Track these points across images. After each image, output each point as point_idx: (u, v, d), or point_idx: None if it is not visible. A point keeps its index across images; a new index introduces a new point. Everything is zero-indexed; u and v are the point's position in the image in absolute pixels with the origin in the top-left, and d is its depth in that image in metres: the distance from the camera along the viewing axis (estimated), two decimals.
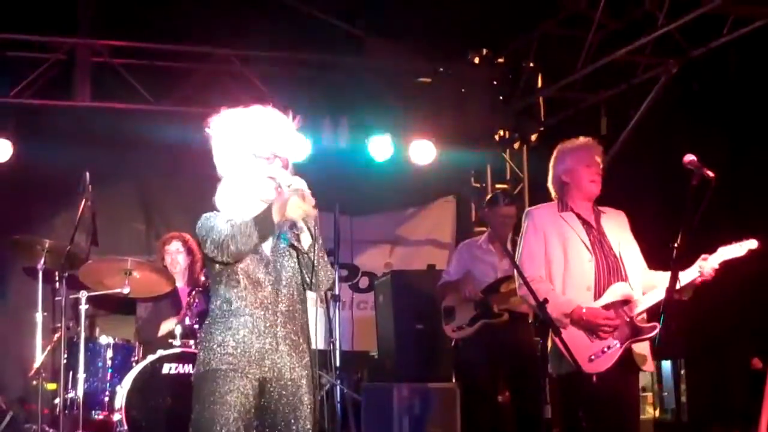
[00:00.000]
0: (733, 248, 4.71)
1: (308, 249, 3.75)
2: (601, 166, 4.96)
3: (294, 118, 3.90)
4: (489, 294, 6.64)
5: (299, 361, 3.79)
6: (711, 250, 4.73)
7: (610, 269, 4.80)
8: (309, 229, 3.73)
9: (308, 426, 3.75)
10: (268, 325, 3.74)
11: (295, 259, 3.82)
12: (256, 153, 3.78)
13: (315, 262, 3.76)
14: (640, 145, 8.10)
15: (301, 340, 3.82)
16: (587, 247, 4.80)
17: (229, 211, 3.79)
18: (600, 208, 4.99)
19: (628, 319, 4.68)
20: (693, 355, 8.30)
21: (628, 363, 4.70)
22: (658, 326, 4.52)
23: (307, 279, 3.80)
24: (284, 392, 3.75)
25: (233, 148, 3.82)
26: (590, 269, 4.77)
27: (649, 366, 4.84)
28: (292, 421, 3.73)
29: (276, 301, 3.77)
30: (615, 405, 4.68)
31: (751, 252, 4.68)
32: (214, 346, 3.73)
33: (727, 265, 4.68)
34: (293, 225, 3.75)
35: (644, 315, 4.76)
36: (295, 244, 3.77)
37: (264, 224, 3.62)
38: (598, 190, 4.93)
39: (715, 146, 7.19)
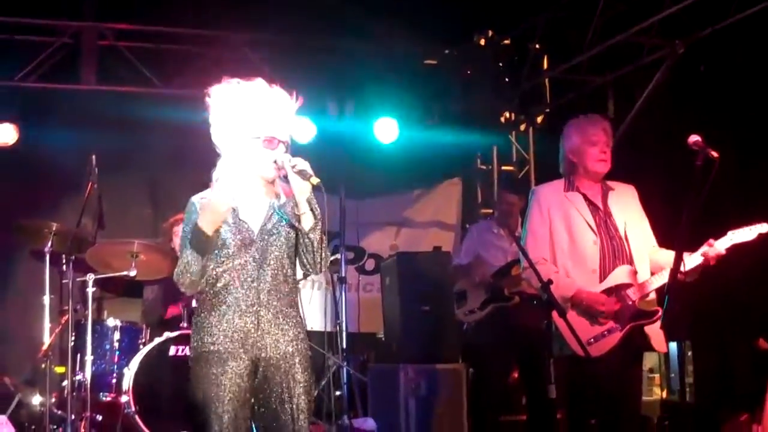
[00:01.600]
0: (743, 232, 4.67)
1: (309, 230, 3.76)
2: (610, 143, 4.91)
3: (297, 99, 3.86)
4: (500, 277, 6.65)
5: (286, 338, 3.77)
6: (718, 231, 4.70)
7: (615, 251, 4.77)
8: (312, 210, 3.75)
9: (303, 404, 3.74)
10: (250, 303, 3.74)
11: (283, 238, 3.81)
12: (257, 135, 3.76)
13: (316, 244, 3.77)
14: (647, 125, 8.08)
15: (287, 318, 3.80)
16: (592, 229, 4.77)
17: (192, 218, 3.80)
18: (609, 183, 4.94)
19: (630, 303, 4.67)
20: (700, 337, 8.30)
21: (629, 346, 4.69)
22: (661, 311, 4.53)
23: (305, 260, 3.81)
24: (275, 370, 3.75)
25: (233, 126, 3.80)
26: (595, 251, 4.75)
27: (662, 346, 4.83)
28: (286, 398, 3.73)
29: (259, 279, 3.76)
30: (616, 387, 4.68)
31: (761, 236, 4.64)
32: (204, 328, 3.76)
33: (735, 248, 4.65)
34: (295, 205, 3.77)
35: (653, 295, 4.74)
36: (296, 225, 3.78)
37: (198, 239, 3.70)
38: (606, 169, 4.87)
39: (723, 127, 7.17)
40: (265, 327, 3.75)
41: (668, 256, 4.68)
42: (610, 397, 4.65)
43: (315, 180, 3.68)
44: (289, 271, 3.84)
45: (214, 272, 3.78)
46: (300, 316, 3.89)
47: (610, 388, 4.64)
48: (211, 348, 3.71)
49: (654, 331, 4.67)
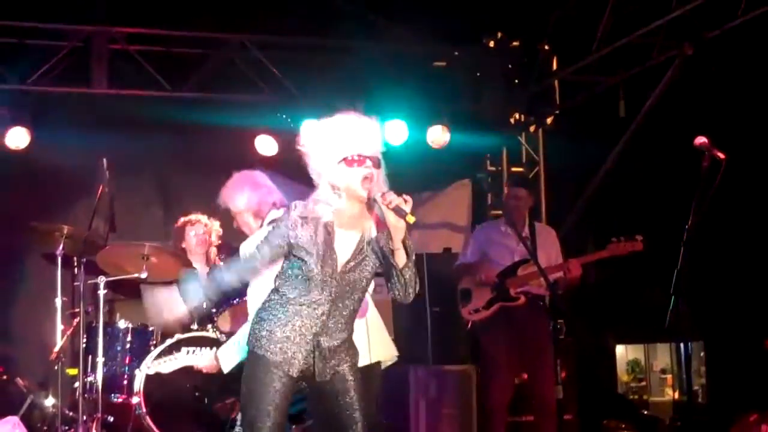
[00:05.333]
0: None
1: (402, 267, 3.81)
2: None
3: (372, 118, 3.94)
4: (506, 277, 6.66)
5: (342, 364, 3.93)
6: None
7: None
8: (406, 248, 3.79)
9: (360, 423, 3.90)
10: (313, 332, 3.87)
11: (366, 274, 3.92)
12: (343, 155, 3.81)
13: (408, 280, 3.84)
14: (658, 126, 8.08)
15: (347, 343, 3.97)
16: None
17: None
18: None
19: None
20: (713, 338, 8.30)
21: None
22: None
23: (396, 291, 3.88)
24: (330, 392, 3.92)
25: (323, 157, 3.85)
26: None
27: None
28: (346, 414, 3.91)
29: (329, 314, 3.88)
30: None
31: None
32: (263, 333, 3.89)
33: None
34: (389, 238, 3.79)
35: None
36: (391, 260, 3.82)
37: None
38: None
39: (733, 127, 7.17)
40: (324, 353, 3.89)
41: None
42: None
43: (411, 219, 3.67)
44: (360, 303, 3.98)
45: (287, 292, 3.90)
46: (353, 346, 4.05)
47: None
48: (267, 355, 3.85)
49: None
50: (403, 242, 3.77)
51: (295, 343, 3.86)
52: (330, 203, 3.85)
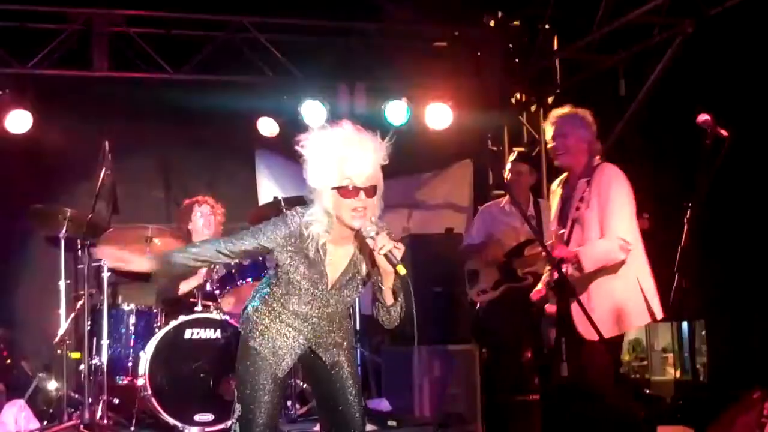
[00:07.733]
0: None
1: (389, 306, 3.84)
2: None
3: (383, 139, 3.76)
4: (512, 257, 6.66)
5: (336, 353, 4.00)
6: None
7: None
8: (394, 293, 3.81)
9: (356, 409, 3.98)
10: (308, 338, 3.96)
11: (355, 292, 3.94)
12: (336, 184, 3.70)
13: (393, 315, 3.88)
14: (658, 105, 8.07)
15: (340, 335, 4.02)
16: None
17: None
18: None
19: None
20: (714, 316, 8.29)
21: None
22: None
23: (380, 318, 3.92)
24: (327, 378, 4.02)
25: (318, 178, 3.74)
26: None
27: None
28: (342, 400, 3.99)
29: (320, 320, 3.96)
30: None
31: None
32: (258, 327, 3.94)
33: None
34: (378, 276, 3.79)
35: None
36: (378, 296, 3.84)
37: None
38: None
39: (734, 106, 7.15)
40: (323, 349, 3.99)
41: None
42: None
43: (402, 270, 3.63)
44: (348, 314, 4.10)
45: (282, 297, 3.93)
46: (350, 326, 4.14)
47: None
48: (259, 349, 3.91)
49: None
50: (394, 291, 3.80)
51: (287, 345, 3.92)
52: (324, 223, 3.78)
